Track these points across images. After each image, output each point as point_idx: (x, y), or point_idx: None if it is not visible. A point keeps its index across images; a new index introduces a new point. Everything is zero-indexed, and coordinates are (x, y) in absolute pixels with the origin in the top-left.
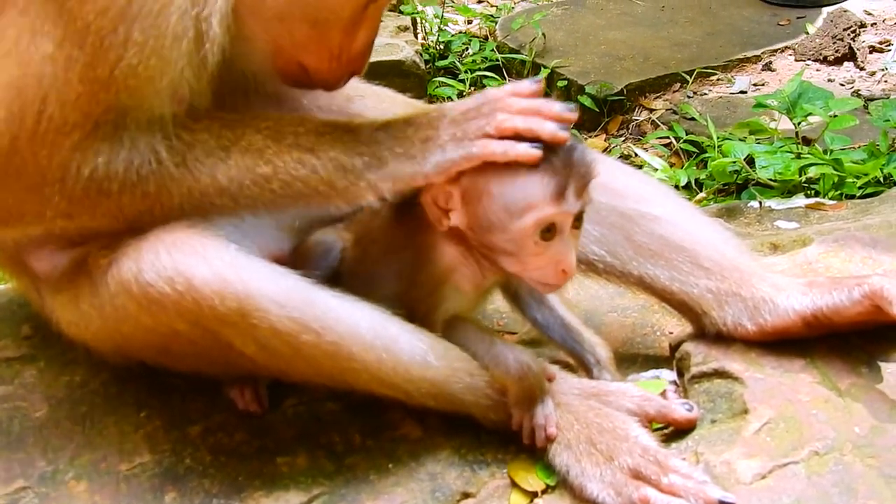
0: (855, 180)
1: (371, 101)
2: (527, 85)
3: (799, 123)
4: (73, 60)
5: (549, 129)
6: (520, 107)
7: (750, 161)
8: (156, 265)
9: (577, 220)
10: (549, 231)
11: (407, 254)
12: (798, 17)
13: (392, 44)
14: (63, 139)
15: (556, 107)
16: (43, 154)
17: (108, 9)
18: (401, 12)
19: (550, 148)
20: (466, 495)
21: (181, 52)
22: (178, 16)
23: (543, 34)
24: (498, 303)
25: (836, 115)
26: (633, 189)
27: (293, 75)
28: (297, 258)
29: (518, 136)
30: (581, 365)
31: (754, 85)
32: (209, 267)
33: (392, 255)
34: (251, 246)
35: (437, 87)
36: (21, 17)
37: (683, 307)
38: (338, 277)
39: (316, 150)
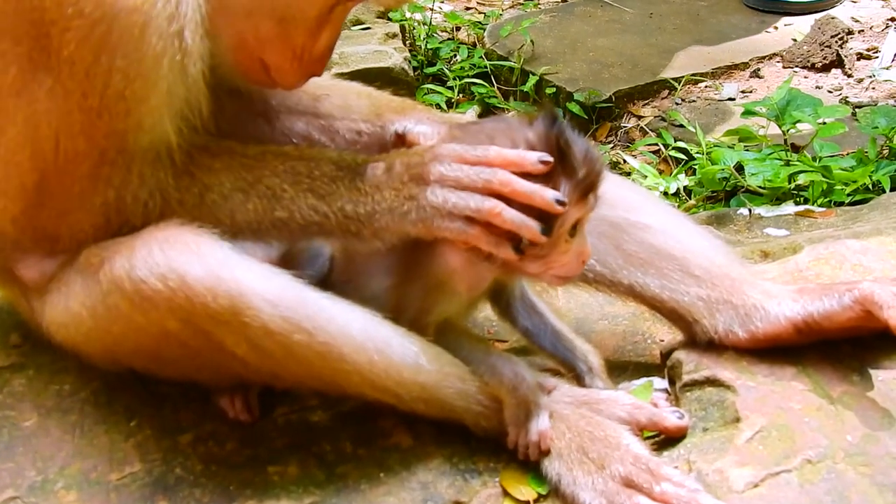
0: (844, 187)
1: (337, 99)
2: (529, 162)
3: (788, 130)
4: (69, 91)
5: (536, 235)
6: (512, 192)
7: (739, 168)
8: (149, 262)
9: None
10: (574, 228)
11: (402, 251)
12: (786, 24)
13: (381, 51)
14: (77, 168)
15: (550, 198)
16: (66, 184)
17: (88, 39)
18: (389, 19)
19: (567, 151)
20: None
21: (164, 70)
22: (156, 36)
23: (532, 41)
24: (488, 311)
25: (825, 123)
26: (622, 198)
27: (254, 72)
28: (284, 264)
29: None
30: (572, 373)
31: (742, 92)
32: (202, 264)
33: (385, 250)
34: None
35: (425, 93)
36: (16, 48)
37: (674, 315)
38: (327, 284)
39: (328, 197)
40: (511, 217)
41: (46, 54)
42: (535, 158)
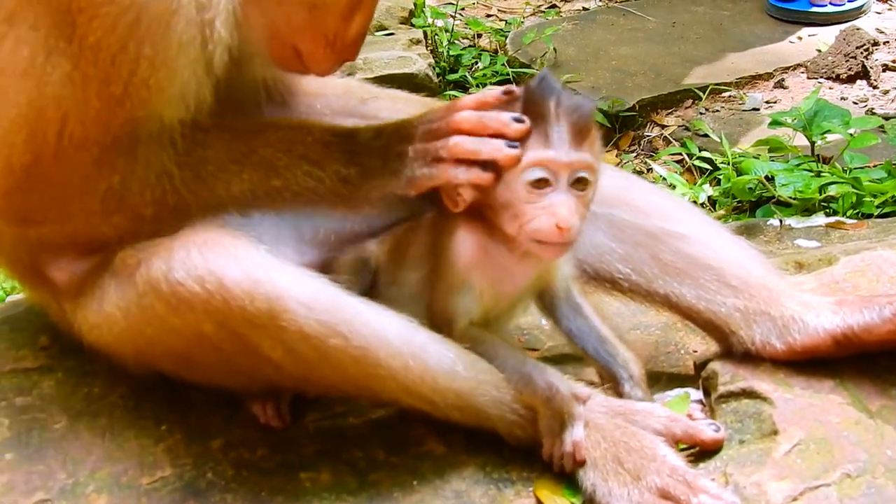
0: (873, 199)
1: (385, 102)
2: (491, 95)
3: (816, 142)
4: (90, 78)
5: (495, 150)
6: (470, 125)
7: (768, 178)
8: (187, 264)
9: (580, 182)
10: (541, 181)
11: (433, 259)
12: (809, 35)
13: (405, 57)
14: (84, 155)
15: (505, 119)
16: (65, 170)
17: (116, 26)
18: (412, 25)
19: (540, 96)
20: None
21: (189, 59)
22: (184, 24)
23: (554, 49)
24: (520, 320)
25: (854, 134)
26: (656, 207)
27: (286, 60)
28: (326, 272)
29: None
30: (610, 381)
31: (767, 102)
32: (240, 267)
33: (421, 259)
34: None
35: (448, 99)
36: (32, 33)
37: (710, 326)
38: (372, 292)
39: (322, 162)
40: (472, 145)
41: (67, 40)
42: (494, 94)
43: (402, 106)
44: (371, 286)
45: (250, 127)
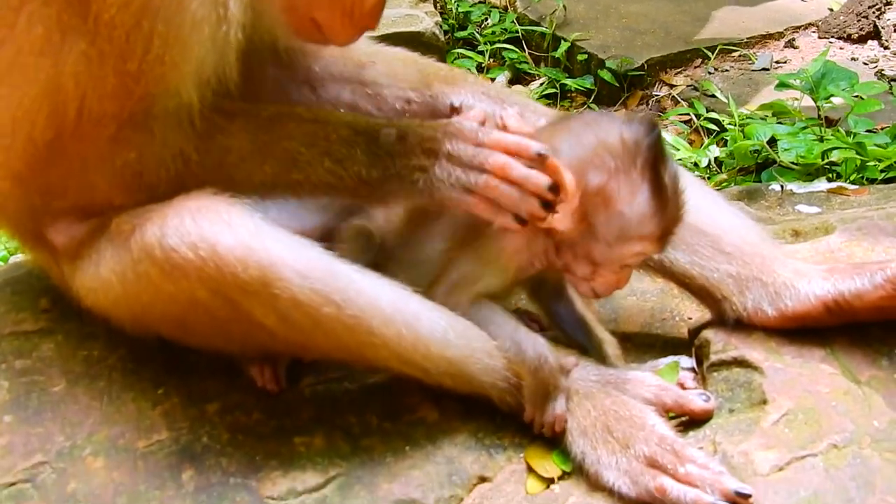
0: (877, 164)
1: (382, 66)
2: (525, 148)
3: (822, 105)
4: (106, 55)
5: (534, 210)
6: (512, 177)
7: (772, 142)
8: (180, 230)
9: None
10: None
11: (463, 222)
12: None
13: (411, 15)
14: (101, 130)
15: (541, 184)
16: (84, 145)
17: (130, 3)
18: None
19: (664, 187)
20: (483, 479)
21: (203, 36)
22: (198, 3)
23: (564, 6)
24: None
25: (860, 98)
26: None
27: (306, 32)
28: (325, 241)
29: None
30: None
31: (776, 62)
32: (233, 234)
33: (448, 217)
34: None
35: (455, 58)
36: (45, 9)
37: (703, 292)
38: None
39: (344, 162)
40: (512, 198)
41: (81, 18)
42: (534, 150)
43: (400, 70)
44: (373, 254)
45: (273, 115)
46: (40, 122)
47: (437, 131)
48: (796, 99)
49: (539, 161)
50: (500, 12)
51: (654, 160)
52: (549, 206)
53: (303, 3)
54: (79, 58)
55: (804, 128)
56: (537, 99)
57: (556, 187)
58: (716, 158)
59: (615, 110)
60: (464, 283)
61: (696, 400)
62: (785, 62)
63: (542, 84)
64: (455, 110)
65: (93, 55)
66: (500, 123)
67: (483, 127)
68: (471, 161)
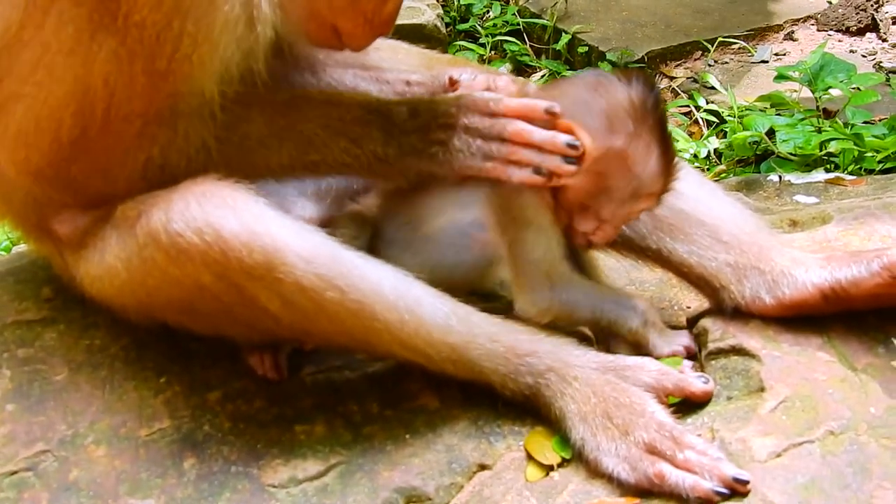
0: (875, 154)
1: (386, 53)
2: (538, 108)
3: (820, 96)
4: (136, 55)
5: (557, 167)
6: (533, 141)
7: (770, 133)
8: (185, 215)
9: None
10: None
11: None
12: None
13: (414, 7)
14: (128, 127)
15: (562, 143)
16: (109, 142)
17: (161, 3)
18: None
19: (670, 144)
20: (483, 467)
21: (232, 36)
22: (229, 4)
23: None
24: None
25: (858, 90)
26: None
27: (324, 38)
28: (327, 227)
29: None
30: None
31: (776, 54)
32: (238, 219)
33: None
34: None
35: (457, 50)
36: (75, 9)
37: (701, 281)
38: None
39: (360, 140)
40: (534, 156)
41: (112, 17)
42: (542, 108)
43: (402, 56)
44: (370, 239)
45: (288, 100)
46: (67, 121)
47: (451, 106)
48: (795, 91)
49: (551, 118)
50: (501, 5)
51: (661, 119)
52: (572, 162)
53: (326, 10)
54: (109, 57)
55: (802, 119)
56: None
57: (574, 144)
58: (715, 150)
59: None
60: (543, 257)
61: (695, 382)
62: (784, 54)
63: (543, 76)
64: (454, 83)
65: (123, 55)
66: (493, 86)
67: (493, 94)
68: (489, 131)
